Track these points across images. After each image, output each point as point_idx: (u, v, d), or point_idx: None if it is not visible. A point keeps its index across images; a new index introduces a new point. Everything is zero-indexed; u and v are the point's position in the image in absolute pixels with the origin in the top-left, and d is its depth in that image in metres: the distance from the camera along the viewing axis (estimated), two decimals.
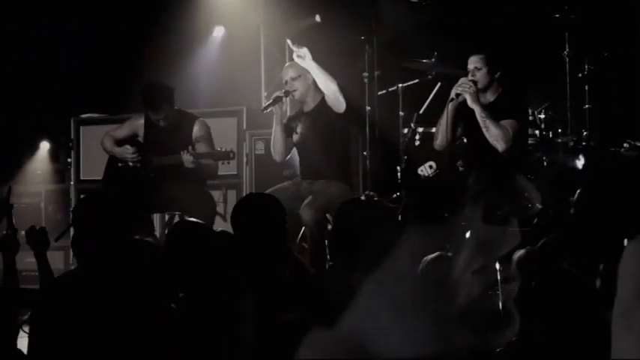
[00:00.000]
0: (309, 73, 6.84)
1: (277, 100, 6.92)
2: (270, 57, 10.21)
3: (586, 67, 7.74)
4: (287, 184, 7.15)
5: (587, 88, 7.76)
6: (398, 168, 8.19)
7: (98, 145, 9.27)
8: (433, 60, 8.05)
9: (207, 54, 10.39)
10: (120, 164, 7.45)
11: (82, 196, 9.39)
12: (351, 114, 6.98)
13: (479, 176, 5.38)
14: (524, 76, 7.49)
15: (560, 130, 7.67)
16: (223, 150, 7.17)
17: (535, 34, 8.11)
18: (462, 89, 6.45)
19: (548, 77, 7.95)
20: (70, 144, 9.61)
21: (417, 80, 8.18)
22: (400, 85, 8.14)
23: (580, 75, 7.73)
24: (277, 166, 8.45)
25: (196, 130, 7.28)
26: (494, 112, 6.43)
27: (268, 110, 6.97)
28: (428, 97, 8.26)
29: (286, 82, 6.98)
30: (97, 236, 4.14)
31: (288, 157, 7.27)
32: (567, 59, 7.63)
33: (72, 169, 9.62)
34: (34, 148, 10.48)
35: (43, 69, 10.31)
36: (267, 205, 4.88)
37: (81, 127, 9.62)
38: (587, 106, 7.74)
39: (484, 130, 6.36)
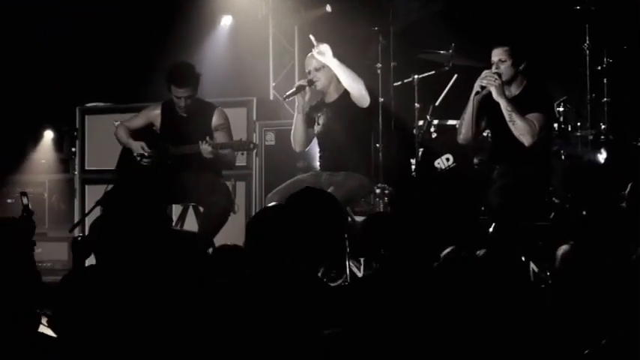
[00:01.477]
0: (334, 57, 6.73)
1: (300, 89, 6.80)
2: (278, 47, 10.11)
3: (605, 59, 7.63)
4: (306, 175, 7.03)
5: (605, 81, 7.64)
6: (412, 161, 8.10)
7: (103, 135, 9.19)
8: (450, 51, 7.95)
9: (215, 44, 10.26)
10: (135, 154, 7.30)
11: (86, 186, 9.29)
12: (375, 108, 6.88)
13: (504, 170, 5.33)
14: (544, 68, 7.37)
15: (579, 124, 7.57)
16: (243, 140, 7.04)
17: (554, 25, 8.01)
18: (488, 82, 6.33)
19: (567, 70, 7.85)
20: (75, 133, 9.46)
21: (433, 72, 8.07)
22: (416, 76, 8.03)
23: (599, 68, 7.62)
24: (288, 158, 8.34)
25: (215, 119, 7.16)
26: (519, 105, 6.32)
27: (290, 99, 6.85)
28: (444, 89, 8.15)
29: (309, 72, 6.86)
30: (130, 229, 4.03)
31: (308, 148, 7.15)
32: (587, 52, 7.52)
33: (77, 159, 9.47)
34: (37, 137, 10.32)
35: (47, 57, 10.16)
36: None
37: (86, 116, 9.47)
38: (605, 99, 7.64)
39: (510, 124, 6.25)
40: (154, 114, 7.36)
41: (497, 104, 6.35)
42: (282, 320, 3.58)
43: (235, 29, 10.28)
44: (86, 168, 9.38)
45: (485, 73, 6.41)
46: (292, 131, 6.99)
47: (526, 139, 6.24)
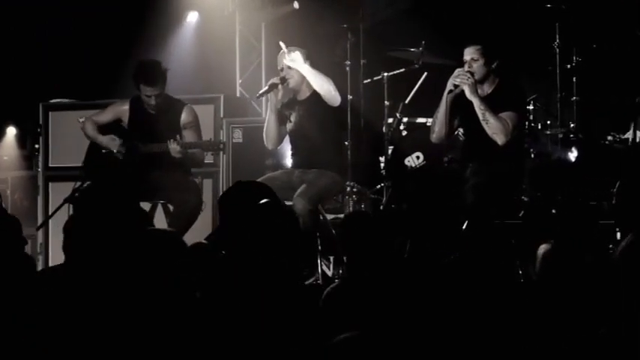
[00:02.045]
0: (306, 61, 6.70)
1: (273, 87, 6.76)
2: (245, 44, 10.02)
3: (574, 58, 7.64)
4: (277, 173, 6.99)
5: (574, 79, 7.65)
6: (381, 159, 8.06)
7: (67, 132, 9.07)
8: (420, 49, 7.92)
9: (180, 40, 10.14)
10: (103, 150, 7.20)
11: (50, 183, 9.16)
12: (346, 106, 6.85)
13: (477, 168, 5.32)
14: (515, 66, 7.37)
15: (548, 122, 7.57)
16: (212, 140, 6.98)
17: (524, 24, 8.01)
18: (461, 81, 6.32)
19: (536, 68, 7.85)
20: (39, 130, 9.31)
21: (402, 69, 8.03)
22: (385, 74, 7.98)
23: (568, 66, 7.62)
24: (256, 155, 8.29)
25: (184, 116, 7.09)
26: (492, 104, 6.32)
27: (263, 97, 6.80)
28: (414, 87, 8.13)
29: (282, 69, 6.82)
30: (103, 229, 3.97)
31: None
32: (557, 50, 7.52)
33: (40, 156, 9.32)
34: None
35: (9, 53, 10.01)
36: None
37: (50, 113, 9.33)
38: (574, 97, 7.64)
39: (483, 122, 6.24)
40: (121, 109, 7.27)
41: (470, 102, 6.35)
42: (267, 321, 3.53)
43: (201, 25, 10.17)
44: (50, 165, 9.24)
45: (457, 71, 6.40)
46: (265, 128, 6.94)
47: (499, 138, 6.24)
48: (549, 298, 3.76)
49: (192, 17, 10.18)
